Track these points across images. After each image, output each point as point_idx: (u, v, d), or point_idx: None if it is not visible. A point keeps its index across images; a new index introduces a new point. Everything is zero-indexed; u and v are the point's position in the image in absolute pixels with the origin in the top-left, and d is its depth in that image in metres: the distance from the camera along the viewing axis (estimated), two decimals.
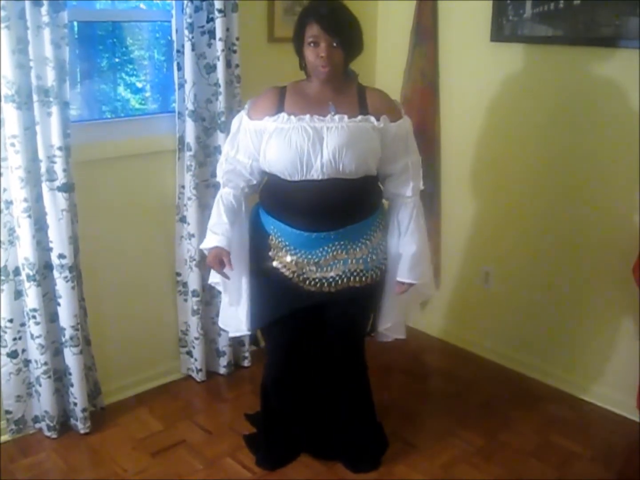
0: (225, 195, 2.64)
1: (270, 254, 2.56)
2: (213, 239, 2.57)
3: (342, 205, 2.45)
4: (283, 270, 2.55)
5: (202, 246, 2.66)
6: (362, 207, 2.54)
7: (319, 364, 2.79)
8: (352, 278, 2.55)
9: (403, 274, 2.60)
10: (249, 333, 2.82)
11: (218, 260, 2.54)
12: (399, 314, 2.80)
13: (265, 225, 2.59)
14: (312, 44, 2.36)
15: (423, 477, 2.84)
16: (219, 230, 2.58)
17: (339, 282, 2.55)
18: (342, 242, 2.51)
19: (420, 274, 2.61)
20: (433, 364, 3.80)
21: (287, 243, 2.53)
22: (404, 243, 2.60)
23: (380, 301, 2.74)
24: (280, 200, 2.51)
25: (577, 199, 3.30)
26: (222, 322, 2.90)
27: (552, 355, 3.55)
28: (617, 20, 2.97)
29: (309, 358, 2.77)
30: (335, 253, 2.51)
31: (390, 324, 2.76)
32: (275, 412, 2.88)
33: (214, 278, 2.77)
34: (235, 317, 2.77)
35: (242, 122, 2.53)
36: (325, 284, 2.55)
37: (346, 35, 2.37)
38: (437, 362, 3.81)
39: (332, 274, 2.54)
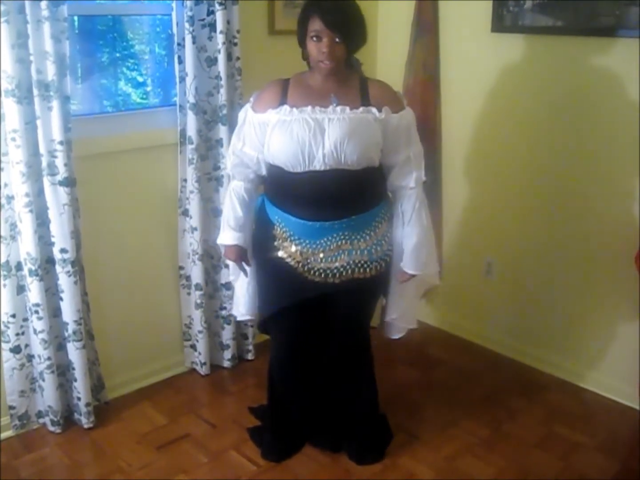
0: (236, 189, 2.66)
1: (275, 243, 2.57)
2: (231, 236, 2.65)
3: (345, 196, 2.45)
4: (288, 260, 2.56)
5: (219, 241, 2.73)
6: (365, 198, 2.53)
7: (324, 356, 2.79)
8: (356, 269, 2.55)
9: (407, 265, 2.61)
10: (251, 318, 2.91)
11: (240, 258, 2.68)
12: (407, 304, 2.79)
13: (270, 215, 2.59)
14: (314, 38, 2.34)
15: (427, 468, 2.84)
16: (236, 225, 2.65)
17: (344, 273, 2.55)
18: (346, 233, 2.51)
19: (422, 265, 2.63)
20: (436, 355, 3.80)
21: (291, 233, 2.53)
22: (405, 234, 2.61)
23: (387, 292, 2.75)
24: (285, 191, 2.51)
25: (579, 188, 3.29)
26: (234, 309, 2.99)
27: (555, 345, 3.55)
28: (617, 10, 2.97)
29: (314, 350, 2.77)
30: (339, 243, 2.52)
31: (397, 315, 2.78)
32: (281, 403, 2.89)
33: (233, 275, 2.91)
34: (243, 303, 2.85)
35: (247, 115, 2.54)
36: (330, 275, 2.55)
37: (349, 31, 2.35)
38: (440, 353, 3.81)
39: (336, 264, 2.54)
